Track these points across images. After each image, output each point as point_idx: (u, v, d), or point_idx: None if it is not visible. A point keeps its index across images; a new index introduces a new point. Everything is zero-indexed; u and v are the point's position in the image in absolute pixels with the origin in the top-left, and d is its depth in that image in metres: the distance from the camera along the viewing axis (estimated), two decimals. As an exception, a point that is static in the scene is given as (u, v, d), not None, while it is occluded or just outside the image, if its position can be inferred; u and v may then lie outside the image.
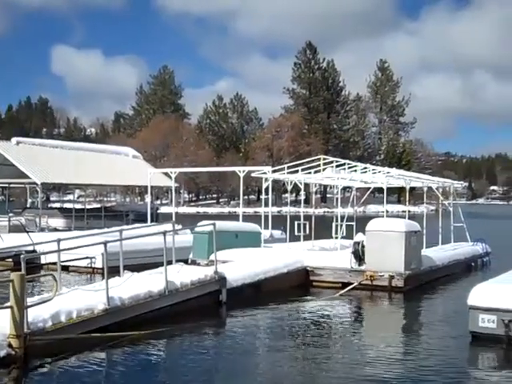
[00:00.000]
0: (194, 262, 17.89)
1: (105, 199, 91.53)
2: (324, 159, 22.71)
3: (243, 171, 24.10)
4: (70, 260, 17.44)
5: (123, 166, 36.26)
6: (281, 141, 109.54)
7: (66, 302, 10.47)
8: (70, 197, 70.53)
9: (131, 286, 12.00)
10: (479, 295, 10.74)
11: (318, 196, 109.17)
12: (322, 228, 25.41)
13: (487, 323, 10.42)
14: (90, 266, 18.98)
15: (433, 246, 21.94)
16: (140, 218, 31.33)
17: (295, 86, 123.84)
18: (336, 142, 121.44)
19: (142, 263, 16.00)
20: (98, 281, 14.43)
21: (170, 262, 13.63)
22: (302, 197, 29.30)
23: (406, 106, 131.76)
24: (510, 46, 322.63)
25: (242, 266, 15.93)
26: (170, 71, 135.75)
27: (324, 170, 22.67)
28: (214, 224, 14.88)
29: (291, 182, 23.91)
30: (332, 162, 22.94)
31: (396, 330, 12.75)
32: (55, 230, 29.32)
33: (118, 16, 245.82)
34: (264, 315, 13.38)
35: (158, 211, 40.22)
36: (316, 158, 23.45)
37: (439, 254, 20.16)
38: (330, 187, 37.42)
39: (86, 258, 18.53)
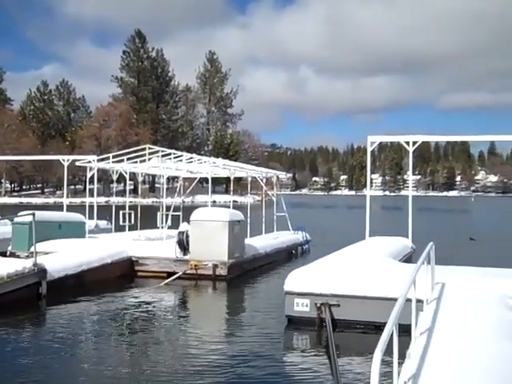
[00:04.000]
0: (13, 255, 17.22)
1: None
2: (150, 149, 22.68)
3: (67, 160, 23.69)
4: None
5: None
6: (109, 130, 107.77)
7: None
8: None
9: None
10: (294, 281, 11.30)
11: (147, 186, 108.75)
12: (148, 218, 25.39)
13: (301, 307, 10.99)
14: None
15: (256, 235, 22.65)
16: (-46, 209, 29.48)
17: (124, 74, 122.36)
18: (165, 132, 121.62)
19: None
20: None
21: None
22: (128, 186, 29.03)
23: (234, 97, 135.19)
24: (333, 42, 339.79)
25: (64, 257, 15.54)
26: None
27: (150, 159, 22.65)
28: (33, 214, 14.33)
29: (117, 172, 23.65)
30: (158, 151, 22.98)
31: (219, 318, 13.04)
32: None
33: None
34: (87, 307, 13.11)
35: (-24, 202, 38.14)
36: (142, 147, 23.36)
37: (262, 242, 20.83)
38: (158, 177, 37.43)
39: None
